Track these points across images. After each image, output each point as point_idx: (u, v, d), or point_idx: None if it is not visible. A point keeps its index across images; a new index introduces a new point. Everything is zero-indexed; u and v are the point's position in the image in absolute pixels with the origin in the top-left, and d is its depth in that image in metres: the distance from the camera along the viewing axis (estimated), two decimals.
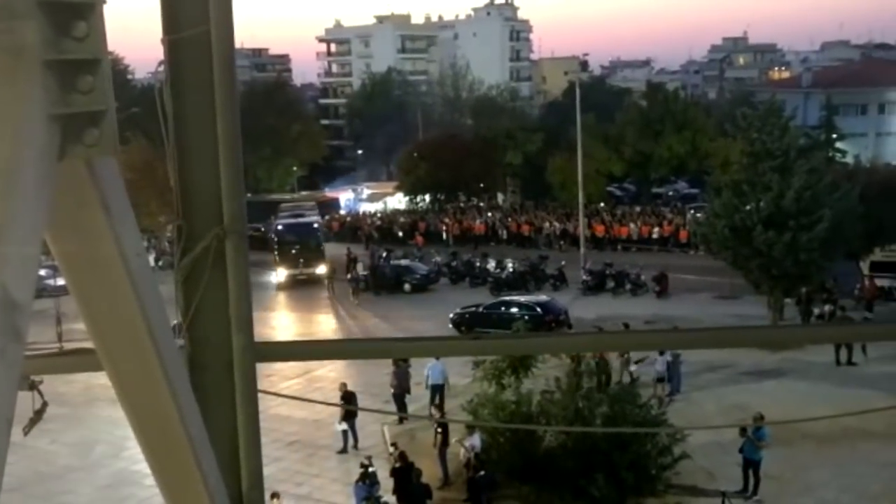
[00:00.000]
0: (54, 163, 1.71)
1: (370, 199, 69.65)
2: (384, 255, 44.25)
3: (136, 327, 2.37)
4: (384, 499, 17.43)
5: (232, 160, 3.49)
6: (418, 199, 63.60)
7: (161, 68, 3.48)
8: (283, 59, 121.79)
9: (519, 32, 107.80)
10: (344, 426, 21.45)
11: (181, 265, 3.44)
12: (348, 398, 21.51)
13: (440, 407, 23.21)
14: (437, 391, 23.92)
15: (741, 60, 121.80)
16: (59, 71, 1.69)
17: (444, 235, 52.12)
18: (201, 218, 3.54)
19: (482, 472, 18.21)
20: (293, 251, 42.14)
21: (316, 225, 45.17)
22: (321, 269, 41.96)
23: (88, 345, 3.15)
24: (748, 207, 29.81)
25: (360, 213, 64.18)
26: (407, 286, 39.88)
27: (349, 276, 39.97)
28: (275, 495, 16.15)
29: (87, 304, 2.22)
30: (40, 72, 1.64)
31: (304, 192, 69.88)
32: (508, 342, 5.91)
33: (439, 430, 19.46)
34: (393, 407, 23.07)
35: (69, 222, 2.08)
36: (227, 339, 3.63)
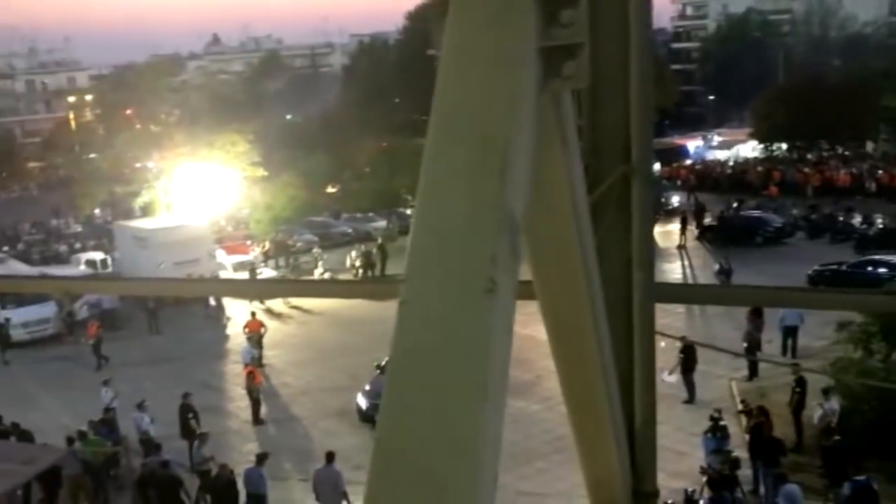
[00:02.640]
0: (539, 95, 1.80)
1: (721, 146, 66.74)
2: (735, 205, 42.34)
3: (573, 258, 2.46)
4: (735, 453, 16.90)
5: (643, 97, 3.48)
6: (774, 146, 59.73)
7: None
8: None
9: None
10: (673, 378, 20.76)
11: (587, 201, 3.52)
12: (689, 351, 20.92)
13: (793, 353, 22.04)
14: (791, 334, 22.63)
15: None
16: (545, 5, 1.76)
17: (803, 186, 48.51)
18: (609, 155, 3.60)
19: (839, 438, 16.95)
20: None
21: None
22: None
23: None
24: None
25: (710, 160, 61.75)
26: (758, 239, 37.80)
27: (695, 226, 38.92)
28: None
29: (533, 233, 2.33)
30: (532, 6, 1.73)
31: (654, 140, 68.80)
32: None
33: (797, 389, 18.42)
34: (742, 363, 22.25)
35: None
36: (626, 277, 3.68)
